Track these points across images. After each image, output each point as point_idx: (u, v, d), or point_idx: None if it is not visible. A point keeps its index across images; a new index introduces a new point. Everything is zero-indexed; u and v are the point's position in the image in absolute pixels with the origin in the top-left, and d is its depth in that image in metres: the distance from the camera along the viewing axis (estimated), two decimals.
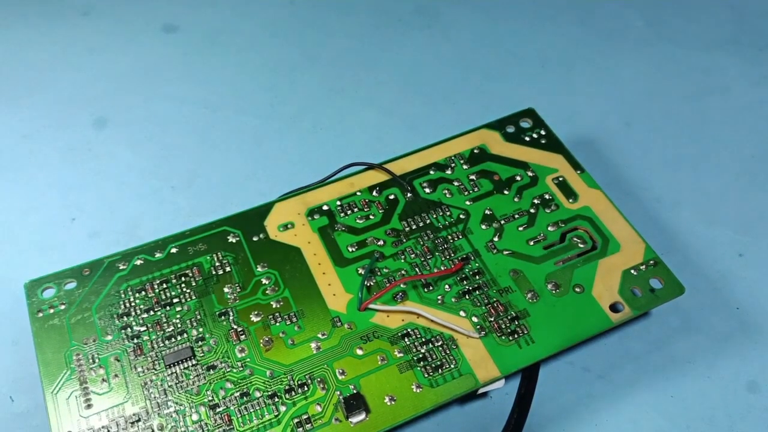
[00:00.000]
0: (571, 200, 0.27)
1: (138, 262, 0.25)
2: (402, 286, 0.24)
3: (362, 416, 0.21)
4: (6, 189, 0.30)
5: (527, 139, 0.29)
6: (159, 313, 0.23)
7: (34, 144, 0.32)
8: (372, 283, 0.24)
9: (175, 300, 0.24)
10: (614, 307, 0.24)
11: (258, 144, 0.31)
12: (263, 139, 0.32)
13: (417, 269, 0.25)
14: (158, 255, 0.25)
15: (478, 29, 0.37)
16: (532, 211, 0.26)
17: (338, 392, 0.22)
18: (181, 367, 0.22)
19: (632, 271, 0.24)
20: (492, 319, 0.23)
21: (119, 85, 0.34)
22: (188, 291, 0.24)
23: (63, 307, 0.23)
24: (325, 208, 0.26)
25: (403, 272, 0.25)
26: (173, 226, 0.26)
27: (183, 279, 0.24)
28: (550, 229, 0.26)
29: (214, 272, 0.25)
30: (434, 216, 0.26)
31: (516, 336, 0.23)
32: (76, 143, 0.32)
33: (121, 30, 0.36)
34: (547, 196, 0.27)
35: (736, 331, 0.25)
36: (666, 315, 0.26)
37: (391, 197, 0.27)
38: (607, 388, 0.24)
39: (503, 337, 0.23)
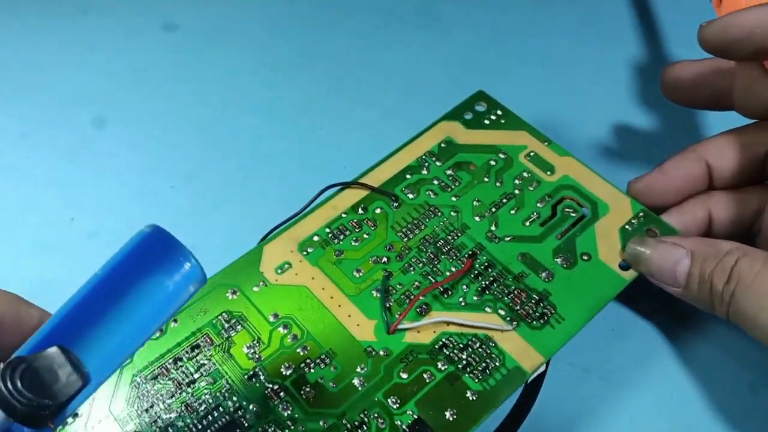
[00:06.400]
0: (548, 173, 0.27)
1: (140, 348, 0.23)
2: (422, 298, 0.24)
3: None
4: (4, 188, 0.30)
5: (487, 122, 0.29)
6: (184, 395, 0.22)
7: (33, 143, 0.31)
8: (391, 303, 0.24)
9: (196, 376, 0.22)
10: (623, 266, 0.24)
11: (257, 143, 0.32)
12: (262, 138, 0.32)
13: (430, 277, 0.24)
14: (159, 335, 0.23)
15: (479, 28, 0.37)
16: (517, 192, 0.27)
17: (398, 422, 0.21)
18: None
19: (627, 227, 0.25)
20: (518, 308, 0.24)
21: (118, 84, 0.34)
22: (206, 362, 0.23)
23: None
24: (315, 238, 0.26)
25: (417, 284, 0.24)
26: (172, 226, 0.26)
27: (196, 351, 0.23)
28: (539, 205, 0.26)
29: (225, 335, 0.23)
30: (427, 220, 0.26)
31: (546, 318, 0.23)
32: (75, 142, 0.31)
33: (121, 29, 0.36)
34: (525, 174, 0.27)
35: (737, 332, 0.26)
36: (666, 315, 0.27)
37: (378, 211, 0.26)
38: (607, 389, 0.25)
39: (534, 322, 0.23)
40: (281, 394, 0.22)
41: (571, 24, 0.38)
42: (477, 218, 0.26)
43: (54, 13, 0.37)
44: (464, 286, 0.24)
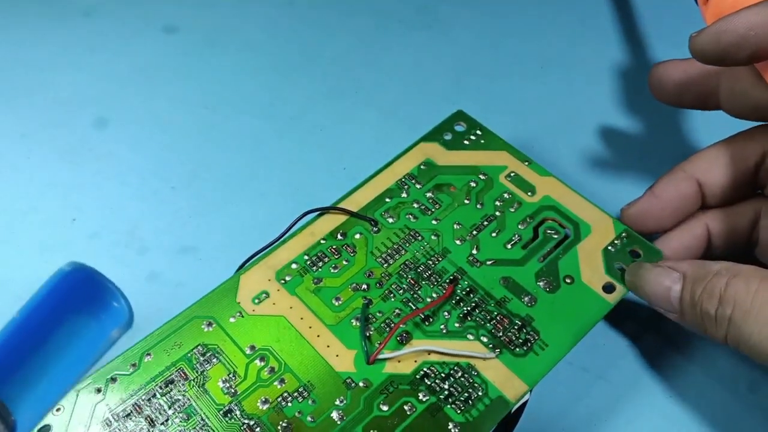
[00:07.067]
0: (529, 194, 0.27)
1: (113, 384, 0.22)
2: (402, 326, 0.23)
3: None
4: (5, 189, 0.30)
5: (467, 142, 0.28)
6: None
7: (34, 144, 0.32)
8: (371, 332, 0.23)
9: (170, 412, 0.22)
10: (607, 288, 0.24)
11: (258, 144, 0.32)
12: (263, 139, 0.32)
13: (411, 304, 0.24)
14: (132, 370, 0.22)
15: (479, 30, 0.37)
16: (498, 214, 0.26)
17: None
18: None
19: (610, 248, 0.25)
20: (501, 335, 0.23)
21: (120, 85, 0.34)
22: (180, 398, 0.22)
23: None
24: (293, 266, 0.25)
25: (397, 311, 0.24)
26: (173, 227, 0.26)
27: (170, 387, 0.22)
28: (520, 227, 0.26)
29: (200, 369, 0.22)
30: (407, 244, 0.25)
31: (529, 344, 0.23)
32: (76, 143, 0.32)
33: (122, 30, 0.36)
34: (506, 195, 0.27)
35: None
36: (665, 316, 0.26)
37: (357, 236, 0.26)
38: (605, 389, 0.25)
39: (517, 349, 0.23)
40: (257, 430, 0.21)
41: (573, 24, 0.38)
42: (458, 242, 0.25)
43: (55, 15, 0.37)
44: (446, 313, 0.24)
